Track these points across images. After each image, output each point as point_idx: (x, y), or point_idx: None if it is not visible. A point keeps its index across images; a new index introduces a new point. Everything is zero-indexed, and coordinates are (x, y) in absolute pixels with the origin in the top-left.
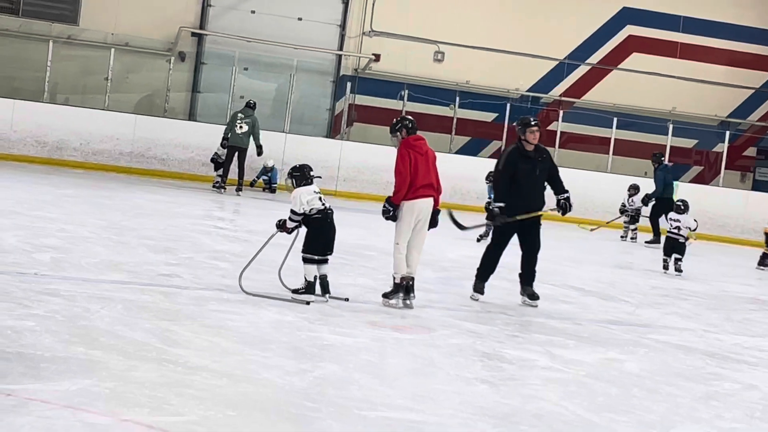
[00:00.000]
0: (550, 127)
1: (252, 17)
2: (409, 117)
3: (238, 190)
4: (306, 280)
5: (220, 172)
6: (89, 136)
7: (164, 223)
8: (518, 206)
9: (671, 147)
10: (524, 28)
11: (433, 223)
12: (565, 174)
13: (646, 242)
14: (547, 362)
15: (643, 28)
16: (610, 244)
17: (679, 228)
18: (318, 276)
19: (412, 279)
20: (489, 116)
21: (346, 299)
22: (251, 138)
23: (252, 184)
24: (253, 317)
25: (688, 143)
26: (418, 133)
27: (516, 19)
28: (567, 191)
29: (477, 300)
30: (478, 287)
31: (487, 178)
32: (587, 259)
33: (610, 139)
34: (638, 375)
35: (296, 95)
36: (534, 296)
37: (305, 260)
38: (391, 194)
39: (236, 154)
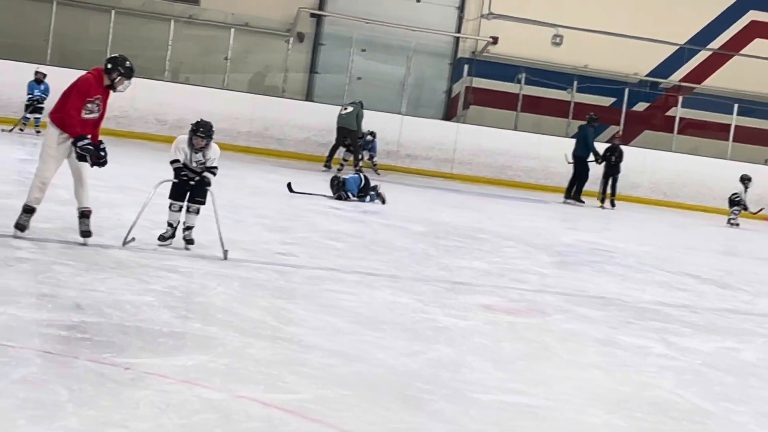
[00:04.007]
0: (668, 113)
1: None
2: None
3: (357, 171)
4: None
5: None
6: (208, 115)
7: (280, 202)
8: None
9: None
10: (644, 12)
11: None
12: (684, 160)
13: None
14: (662, 349)
15: (767, 14)
16: (727, 231)
17: None
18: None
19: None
20: (607, 101)
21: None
22: (356, 120)
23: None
24: (368, 297)
25: None
26: None
27: (636, 3)
28: None
29: None
30: None
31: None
32: (704, 246)
33: (730, 125)
34: (755, 364)
35: (413, 77)
36: None
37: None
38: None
39: (344, 135)
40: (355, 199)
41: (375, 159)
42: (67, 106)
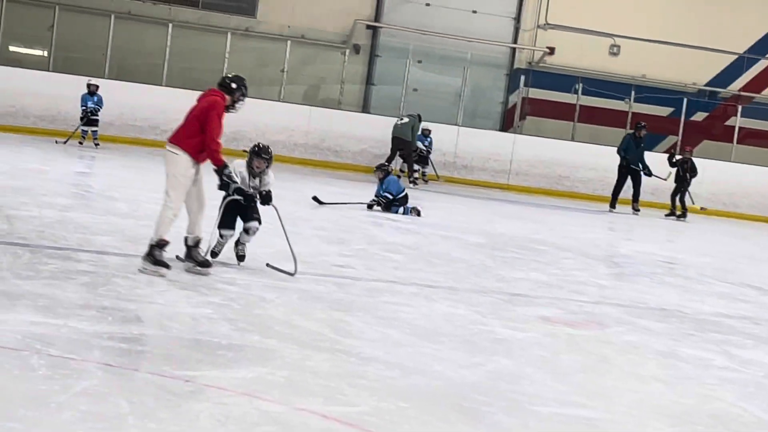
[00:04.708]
0: (728, 123)
1: (427, 10)
2: (230, 74)
3: (412, 182)
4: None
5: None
6: (264, 127)
7: (337, 214)
8: None
9: None
10: (702, 21)
11: (221, 184)
12: (743, 170)
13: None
14: (723, 362)
15: None
16: None
17: None
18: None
19: (151, 241)
20: (665, 111)
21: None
22: (412, 131)
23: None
24: (426, 309)
25: None
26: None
27: (694, 12)
28: None
29: None
30: None
31: None
32: (765, 257)
33: None
34: None
35: (469, 88)
36: None
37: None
38: None
39: (399, 146)
40: (379, 205)
41: (426, 170)
42: (209, 134)
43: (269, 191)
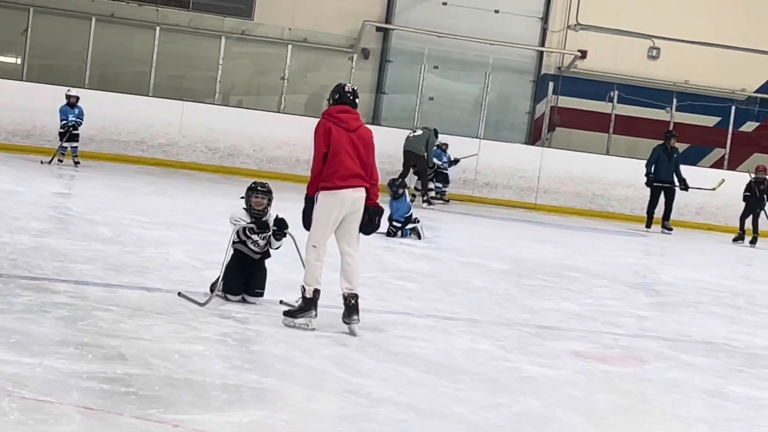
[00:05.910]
0: None
1: (443, 10)
2: (349, 86)
3: (426, 202)
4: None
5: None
6: (263, 142)
7: None
8: None
9: None
10: (752, 21)
11: (371, 226)
12: None
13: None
14: None
15: None
16: None
17: None
18: None
19: (354, 296)
20: (711, 120)
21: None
22: (426, 146)
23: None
24: (444, 344)
25: None
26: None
27: (743, 10)
28: None
29: None
30: None
31: None
32: None
33: None
34: None
35: (492, 96)
36: None
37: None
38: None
39: (411, 162)
40: (398, 228)
41: (446, 189)
42: (375, 171)
43: (282, 219)
